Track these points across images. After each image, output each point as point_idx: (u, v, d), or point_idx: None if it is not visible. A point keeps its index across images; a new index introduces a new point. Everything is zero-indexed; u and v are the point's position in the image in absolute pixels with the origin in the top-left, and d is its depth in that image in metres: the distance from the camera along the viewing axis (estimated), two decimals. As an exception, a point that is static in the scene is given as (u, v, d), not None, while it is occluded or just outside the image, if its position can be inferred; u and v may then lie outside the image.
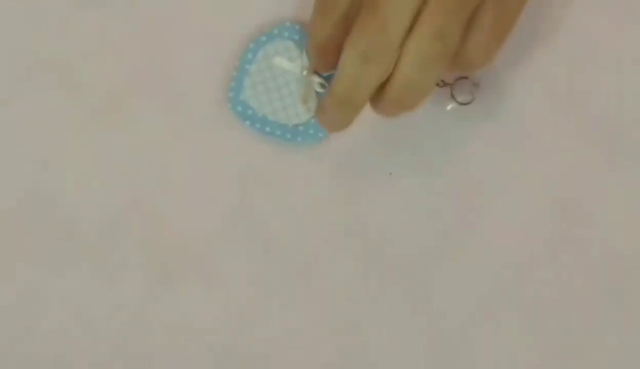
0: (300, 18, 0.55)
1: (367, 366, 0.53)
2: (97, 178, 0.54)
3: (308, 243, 0.53)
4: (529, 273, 0.53)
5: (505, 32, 0.48)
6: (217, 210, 0.54)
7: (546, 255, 0.54)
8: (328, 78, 0.53)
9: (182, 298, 0.53)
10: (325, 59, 0.50)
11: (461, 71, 0.48)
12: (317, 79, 0.53)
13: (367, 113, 0.54)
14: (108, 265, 0.53)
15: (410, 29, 0.45)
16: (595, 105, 0.54)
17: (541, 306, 0.53)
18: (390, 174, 0.54)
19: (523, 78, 0.54)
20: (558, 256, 0.54)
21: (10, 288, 0.53)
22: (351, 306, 0.53)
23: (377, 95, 0.48)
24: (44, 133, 0.55)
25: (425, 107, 0.54)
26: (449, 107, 0.54)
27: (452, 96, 0.54)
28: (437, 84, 0.53)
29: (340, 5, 0.48)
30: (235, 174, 0.54)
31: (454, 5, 0.45)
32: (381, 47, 0.46)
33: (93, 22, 0.55)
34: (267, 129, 0.53)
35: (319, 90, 0.53)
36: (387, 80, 0.47)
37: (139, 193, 0.54)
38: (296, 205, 0.54)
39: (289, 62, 0.53)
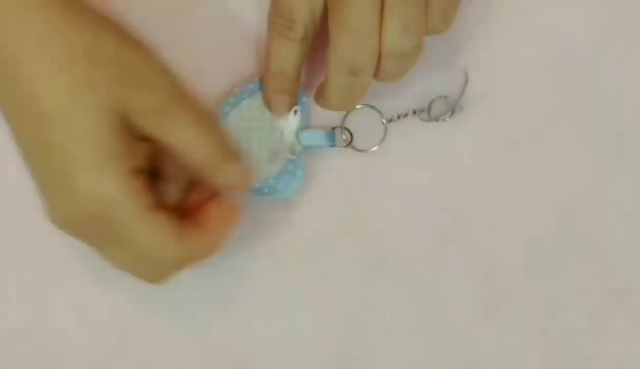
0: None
1: (367, 366, 0.53)
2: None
3: (308, 243, 0.54)
4: (529, 273, 0.54)
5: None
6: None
7: (546, 255, 0.54)
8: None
9: (182, 297, 0.53)
10: (292, 87, 0.51)
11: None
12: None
13: (367, 112, 0.54)
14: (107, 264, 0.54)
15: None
16: (595, 105, 0.55)
17: (541, 306, 0.54)
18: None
19: (523, 79, 0.55)
20: (558, 256, 0.54)
21: (9, 287, 0.53)
22: (351, 306, 0.53)
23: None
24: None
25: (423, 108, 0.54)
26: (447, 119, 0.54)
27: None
28: (437, 120, 0.54)
29: (300, 27, 0.49)
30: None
31: None
32: (366, 56, 0.47)
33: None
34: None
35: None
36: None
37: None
38: (296, 204, 0.54)
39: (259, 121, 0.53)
